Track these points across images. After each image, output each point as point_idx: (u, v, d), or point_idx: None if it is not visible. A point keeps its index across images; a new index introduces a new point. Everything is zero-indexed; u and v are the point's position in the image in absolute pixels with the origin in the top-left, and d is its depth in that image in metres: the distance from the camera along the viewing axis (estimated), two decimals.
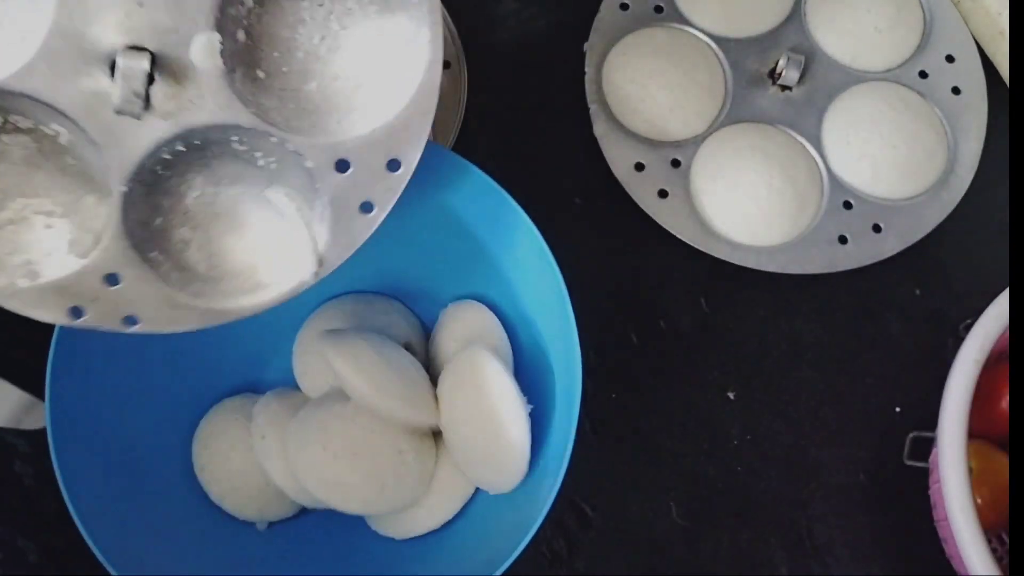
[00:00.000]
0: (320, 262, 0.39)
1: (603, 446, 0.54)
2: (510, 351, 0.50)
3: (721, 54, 0.60)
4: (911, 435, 0.52)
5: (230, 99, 0.37)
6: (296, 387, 0.52)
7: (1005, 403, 0.48)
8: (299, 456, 0.46)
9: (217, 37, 0.36)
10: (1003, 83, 0.62)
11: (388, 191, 0.39)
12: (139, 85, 0.35)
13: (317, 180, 0.38)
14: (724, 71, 0.60)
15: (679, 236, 0.56)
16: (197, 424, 0.50)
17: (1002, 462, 0.48)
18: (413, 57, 0.39)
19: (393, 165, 0.39)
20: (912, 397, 0.56)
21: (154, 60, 0.36)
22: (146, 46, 0.36)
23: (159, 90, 0.36)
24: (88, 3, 0.35)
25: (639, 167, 0.58)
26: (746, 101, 0.60)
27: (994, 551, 0.45)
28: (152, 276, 0.38)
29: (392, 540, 0.50)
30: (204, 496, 0.49)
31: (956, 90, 0.61)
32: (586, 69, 0.60)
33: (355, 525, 0.50)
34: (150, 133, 0.37)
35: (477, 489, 0.49)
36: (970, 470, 0.44)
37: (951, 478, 0.43)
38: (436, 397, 0.48)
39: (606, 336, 0.56)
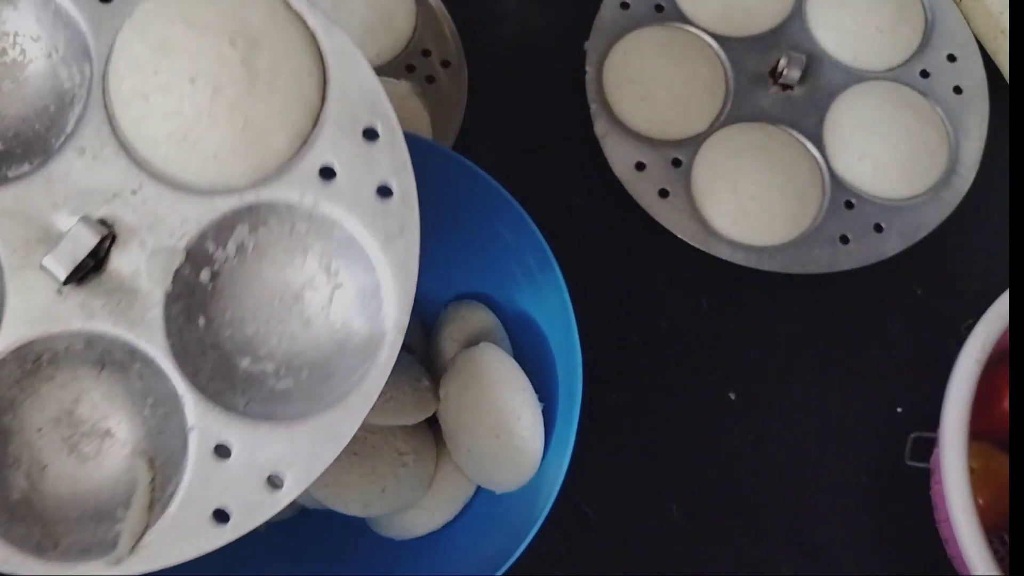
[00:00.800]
0: (130, 549, 0.33)
1: (603, 446, 0.54)
2: (510, 351, 0.50)
3: (722, 53, 0.60)
4: (912, 436, 0.52)
5: (153, 323, 0.34)
6: None
7: (1006, 403, 0.48)
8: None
9: (182, 258, 0.34)
10: (1005, 82, 0.62)
11: (253, 509, 0.33)
12: (80, 253, 0.33)
13: (188, 455, 0.33)
14: (725, 70, 0.60)
15: (680, 236, 0.56)
16: None
17: (1003, 463, 0.48)
18: (358, 382, 0.34)
19: (276, 480, 0.33)
20: (913, 397, 0.56)
21: (105, 244, 0.34)
22: (112, 228, 0.34)
23: (93, 282, 0.34)
24: (52, 184, 0.34)
25: (640, 166, 0.58)
26: (747, 100, 0.60)
27: (995, 552, 0.45)
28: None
29: (392, 540, 0.50)
30: None
31: (958, 89, 0.61)
32: (587, 68, 0.60)
33: (355, 525, 0.50)
34: (55, 316, 0.34)
35: (477, 489, 0.49)
36: (971, 471, 0.44)
37: (952, 479, 0.43)
38: (438, 397, 0.48)
39: (606, 336, 0.56)
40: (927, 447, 0.51)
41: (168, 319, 0.34)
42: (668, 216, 0.57)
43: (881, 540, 0.53)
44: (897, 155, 0.58)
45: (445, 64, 0.60)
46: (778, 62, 0.59)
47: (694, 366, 0.56)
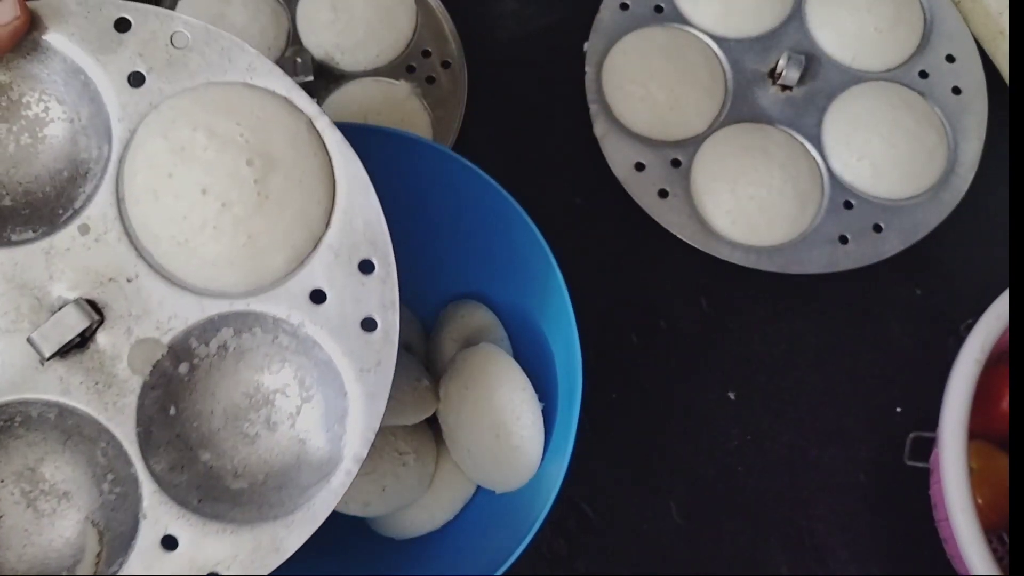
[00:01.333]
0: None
1: (603, 446, 0.54)
2: (510, 350, 0.50)
3: (721, 54, 0.60)
4: (912, 435, 0.52)
5: (125, 409, 0.35)
6: None
7: (1006, 403, 0.48)
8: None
9: (164, 351, 0.35)
10: (1004, 83, 0.62)
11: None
12: (67, 335, 0.34)
13: (136, 540, 0.34)
14: (724, 71, 0.60)
15: (679, 236, 0.56)
16: None
17: (1003, 462, 0.48)
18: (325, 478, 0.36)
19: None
20: (913, 397, 0.56)
21: (91, 329, 0.35)
22: (102, 314, 0.35)
23: (75, 357, 0.35)
24: (51, 257, 0.35)
25: (639, 167, 0.58)
26: (746, 101, 0.60)
27: (994, 551, 0.45)
28: None
29: (392, 540, 0.50)
30: None
31: (956, 90, 0.61)
32: (586, 69, 0.60)
33: (355, 525, 0.50)
34: (33, 384, 0.34)
35: (477, 489, 0.49)
36: (971, 470, 0.44)
37: (952, 478, 0.43)
38: (438, 397, 0.48)
39: (606, 336, 0.56)
40: (926, 447, 0.51)
41: (140, 407, 0.35)
42: (668, 216, 0.57)
43: (880, 540, 0.53)
44: (896, 155, 0.58)
45: (445, 64, 0.60)
46: (777, 63, 0.59)
47: (694, 366, 0.56)
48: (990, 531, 0.45)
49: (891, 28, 0.61)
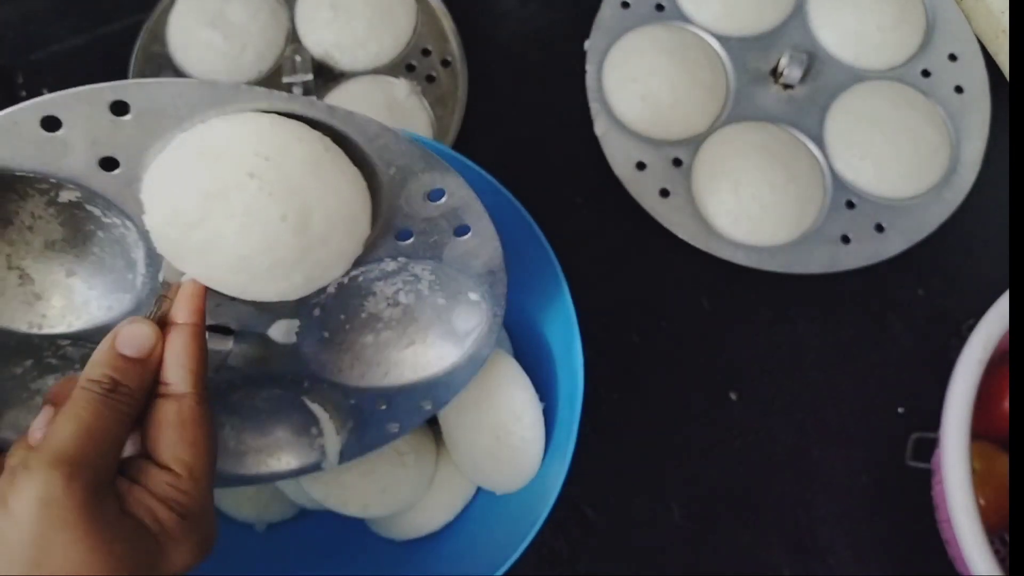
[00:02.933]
0: (341, 460, 0.43)
1: (604, 447, 0.54)
2: (511, 350, 0.50)
3: (723, 52, 0.60)
4: (914, 436, 0.52)
5: (296, 360, 0.40)
6: None
7: (1008, 404, 0.48)
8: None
9: (296, 323, 0.38)
10: (1006, 82, 0.62)
11: (414, 418, 0.44)
12: (222, 360, 0.37)
13: (354, 407, 0.42)
14: (726, 69, 0.60)
15: (680, 236, 0.56)
16: None
17: (1005, 463, 0.48)
18: (466, 336, 0.42)
19: (425, 404, 0.43)
20: (915, 398, 0.55)
21: (234, 333, 0.38)
22: (229, 326, 0.37)
23: (235, 355, 0.38)
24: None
25: (640, 166, 0.57)
26: (748, 100, 0.59)
27: (996, 552, 0.45)
28: None
29: (392, 541, 0.49)
30: None
31: (959, 89, 0.60)
32: (587, 67, 0.59)
33: (355, 526, 0.49)
34: (215, 376, 0.38)
35: (477, 490, 0.49)
36: (973, 471, 0.44)
37: (954, 479, 0.43)
38: None
39: (607, 336, 0.56)
40: (928, 447, 0.51)
41: (303, 354, 0.40)
42: (669, 216, 0.56)
43: (882, 541, 0.53)
44: (898, 155, 0.58)
45: (445, 63, 0.60)
46: (779, 61, 0.59)
47: (694, 366, 0.56)
48: (992, 532, 0.45)
49: (893, 27, 0.61)
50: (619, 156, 0.57)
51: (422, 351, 0.42)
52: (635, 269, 0.58)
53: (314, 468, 0.44)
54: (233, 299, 0.35)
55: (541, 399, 0.45)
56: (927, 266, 0.58)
